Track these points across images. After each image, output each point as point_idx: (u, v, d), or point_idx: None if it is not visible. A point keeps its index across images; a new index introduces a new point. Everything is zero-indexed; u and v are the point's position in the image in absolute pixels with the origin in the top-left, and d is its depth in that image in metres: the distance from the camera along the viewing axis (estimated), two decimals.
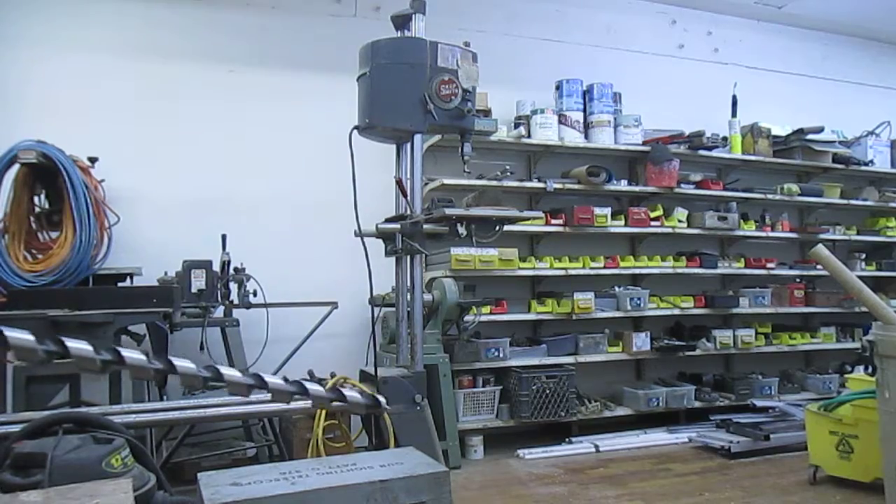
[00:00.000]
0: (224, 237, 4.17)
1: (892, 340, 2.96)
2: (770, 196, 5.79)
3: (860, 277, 3.38)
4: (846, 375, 4.78)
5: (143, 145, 4.49)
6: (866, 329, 3.42)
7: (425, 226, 2.83)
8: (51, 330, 3.34)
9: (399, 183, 2.95)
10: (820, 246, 3.34)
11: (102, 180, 4.10)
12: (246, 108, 4.75)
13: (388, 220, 2.95)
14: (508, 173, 4.79)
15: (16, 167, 3.75)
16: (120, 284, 3.98)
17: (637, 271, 5.39)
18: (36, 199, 3.91)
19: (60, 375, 3.43)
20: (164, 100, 4.57)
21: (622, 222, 5.28)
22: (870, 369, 3.22)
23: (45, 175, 3.80)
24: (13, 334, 1.60)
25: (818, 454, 3.90)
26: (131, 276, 4.03)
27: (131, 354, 1.80)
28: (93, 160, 4.02)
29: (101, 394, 3.92)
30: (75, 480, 1.57)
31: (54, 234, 3.85)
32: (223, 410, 2.57)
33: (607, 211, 5.19)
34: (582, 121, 5.30)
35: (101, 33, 4.49)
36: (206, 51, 4.71)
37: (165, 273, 4.10)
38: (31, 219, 3.89)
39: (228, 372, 1.96)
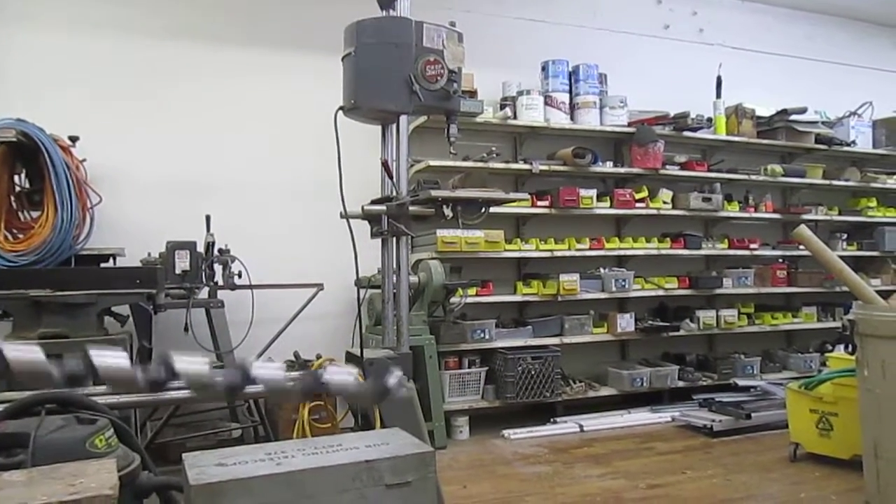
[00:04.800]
0: (208, 218, 4.13)
1: (872, 319, 3.00)
2: (754, 177, 5.83)
3: (841, 257, 3.41)
4: (827, 354, 4.86)
5: (126, 125, 4.43)
6: (847, 308, 3.46)
7: (411, 207, 2.81)
8: (32, 311, 3.31)
9: (385, 164, 2.93)
10: (802, 226, 3.37)
11: (84, 160, 4.04)
12: (230, 87, 4.70)
13: (373, 202, 2.93)
14: (494, 155, 4.80)
15: None
16: (103, 265, 3.93)
17: (622, 253, 5.42)
18: (16, 178, 3.86)
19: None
20: (147, 79, 4.51)
21: (607, 204, 5.29)
22: (850, 348, 3.27)
23: (26, 154, 3.74)
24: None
25: (798, 432, 3.96)
26: (114, 256, 3.99)
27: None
28: (74, 139, 3.96)
29: None
30: (59, 461, 1.56)
31: (35, 214, 3.80)
32: None
33: (593, 192, 5.20)
34: (568, 102, 5.29)
35: (82, 11, 4.41)
36: (190, 29, 4.64)
37: (149, 254, 4.07)
38: (12, 198, 3.83)
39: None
